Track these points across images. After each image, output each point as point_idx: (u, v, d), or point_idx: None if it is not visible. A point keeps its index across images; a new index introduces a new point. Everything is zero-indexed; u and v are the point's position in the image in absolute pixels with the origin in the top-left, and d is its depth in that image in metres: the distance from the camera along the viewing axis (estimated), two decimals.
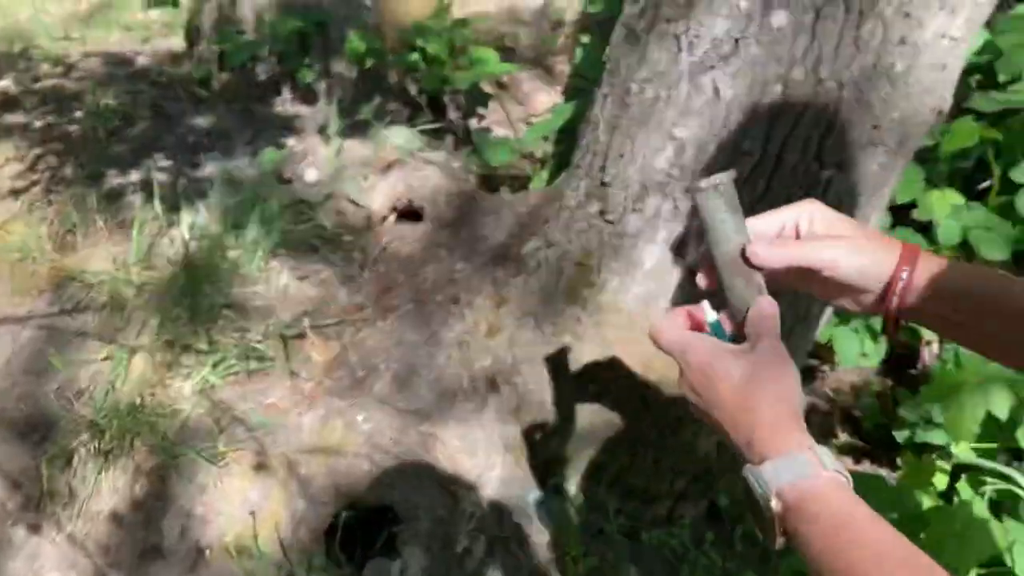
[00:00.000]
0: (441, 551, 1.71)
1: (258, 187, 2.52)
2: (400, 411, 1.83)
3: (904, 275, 0.87)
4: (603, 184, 1.59)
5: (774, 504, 0.72)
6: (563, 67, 3.80)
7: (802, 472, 0.72)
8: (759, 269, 0.86)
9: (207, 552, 1.69)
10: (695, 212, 0.91)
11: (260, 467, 1.74)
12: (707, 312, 0.89)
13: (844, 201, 1.47)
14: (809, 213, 0.91)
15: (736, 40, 1.32)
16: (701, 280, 0.92)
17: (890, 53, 1.29)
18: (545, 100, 3.36)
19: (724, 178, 0.86)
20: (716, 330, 0.88)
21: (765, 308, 0.84)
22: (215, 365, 1.97)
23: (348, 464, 1.73)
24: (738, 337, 0.86)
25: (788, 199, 1.40)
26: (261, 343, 2.00)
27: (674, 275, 1.61)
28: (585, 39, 2.95)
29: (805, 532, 0.71)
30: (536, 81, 3.50)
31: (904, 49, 1.30)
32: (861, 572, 0.67)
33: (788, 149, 1.38)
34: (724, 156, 1.42)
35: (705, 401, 0.82)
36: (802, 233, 0.90)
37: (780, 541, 0.74)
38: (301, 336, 2.02)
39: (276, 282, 2.18)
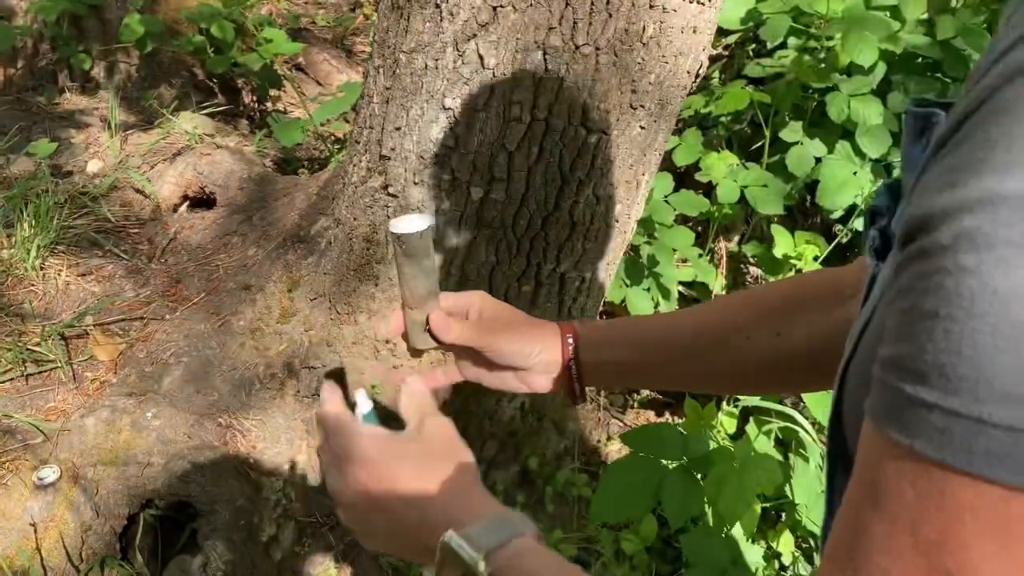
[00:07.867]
0: (245, 542, 1.66)
1: (32, 182, 2.36)
2: (194, 405, 1.76)
3: (571, 343, 0.93)
4: (383, 157, 1.58)
5: (482, 567, 0.67)
6: (364, 47, 3.75)
7: (511, 531, 0.70)
8: (437, 341, 0.93)
9: None
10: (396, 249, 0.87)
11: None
12: (362, 404, 0.87)
13: (613, 163, 1.52)
14: (479, 302, 0.97)
15: (494, 8, 1.33)
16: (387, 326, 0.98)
17: (641, 18, 1.35)
18: (344, 80, 3.30)
19: (422, 225, 0.83)
20: (370, 420, 0.87)
21: (414, 389, 0.88)
22: None
23: (139, 464, 1.65)
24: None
25: (560, 163, 1.47)
26: (39, 345, 1.87)
27: (461, 245, 1.62)
28: None
29: None
30: (335, 61, 3.43)
31: (653, 13, 1.35)
32: None
33: (554, 115, 1.42)
34: (495, 124, 1.44)
35: (375, 492, 0.77)
36: (470, 319, 0.96)
37: None
38: (83, 335, 1.91)
39: (55, 280, 2.05)
